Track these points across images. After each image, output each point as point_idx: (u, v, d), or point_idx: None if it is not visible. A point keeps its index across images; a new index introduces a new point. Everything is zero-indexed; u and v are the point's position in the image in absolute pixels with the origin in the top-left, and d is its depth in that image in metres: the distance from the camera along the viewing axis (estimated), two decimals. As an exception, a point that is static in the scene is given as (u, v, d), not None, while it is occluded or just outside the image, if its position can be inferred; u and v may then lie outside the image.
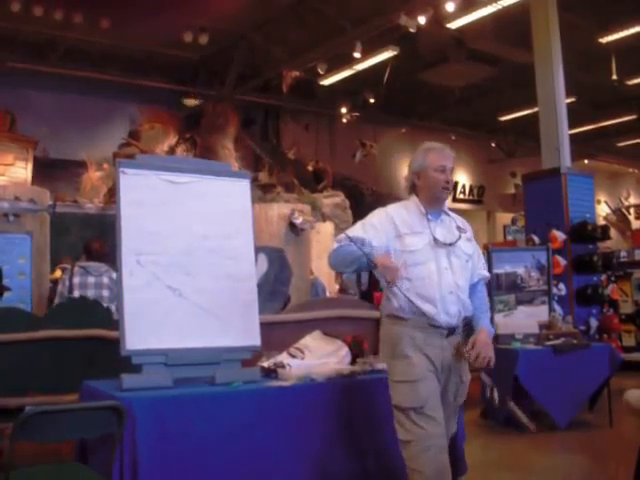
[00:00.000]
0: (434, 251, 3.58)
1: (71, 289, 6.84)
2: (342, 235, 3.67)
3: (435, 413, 3.42)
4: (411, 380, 3.43)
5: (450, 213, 3.81)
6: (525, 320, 7.37)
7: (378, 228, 3.61)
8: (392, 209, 3.73)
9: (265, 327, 4.18)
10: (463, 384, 3.67)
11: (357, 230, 3.65)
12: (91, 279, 7.05)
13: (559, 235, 9.10)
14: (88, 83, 14.67)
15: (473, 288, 3.74)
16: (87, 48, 14.10)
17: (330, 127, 18.60)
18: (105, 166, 14.23)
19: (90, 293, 6.86)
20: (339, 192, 15.32)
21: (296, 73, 14.69)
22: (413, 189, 3.74)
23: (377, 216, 3.70)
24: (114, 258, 3.88)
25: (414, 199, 3.72)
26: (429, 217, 3.65)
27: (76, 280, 6.88)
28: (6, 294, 6.93)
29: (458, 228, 3.73)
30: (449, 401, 3.60)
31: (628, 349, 10.90)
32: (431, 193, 3.65)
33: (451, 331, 3.55)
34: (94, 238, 7.87)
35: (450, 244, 3.61)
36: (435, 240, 3.58)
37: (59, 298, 6.87)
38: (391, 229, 3.61)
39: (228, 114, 16.09)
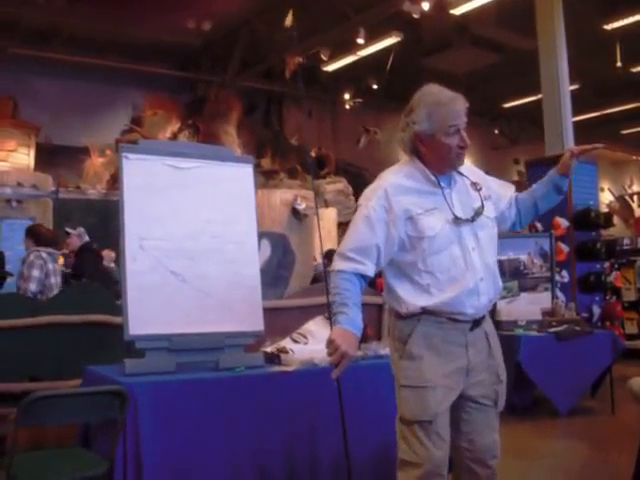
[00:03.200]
0: (456, 230, 2.82)
1: (48, 275, 6.64)
2: (337, 260, 2.88)
3: (446, 432, 2.80)
4: (420, 386, 2.77)
5: (461, 167, 2.99)
6: (528, 307, 7.37)
7: (384, 218, 2.82)
8: (393, 183, 2.89)
9: (268, 312, 4.18)
10: (502, 384, 2.97)
11: (363, 236, 2.84)
12: (56, 266, 6.88)
13: (562, 222, 9.09)
14: (91, 69, 14.66)
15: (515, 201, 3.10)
16: (90, 34, 14.06)
17: (333, 113, 18.56)
18: (108, 152, 14.25)
19: (58, 280, 6.74)
20: (342, 178, 15.32)
21: (299, 59, 14.65)
22: (414, 153, 2.94)
23: (377, 199, 2.86)
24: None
25: (417, 163, 2.92)
26: (442, 184, 2.87)
27: (50, 266, 6.70)
28: (9, 279, 6.94)
29: (473, 186, 2.95)
30: (483, 408, 2.89)
31: (631, 337, 10.91)
32: (442, 162, 2.87)
33: (476, 323, 2.86)
34: (39, 223, 7.74)
35: (476, 216, 2.86)
36: (456, 218, 2.82)
37: (38, 285, 6.53)
38: (399, 211, 2.81)
39: (231, 100, 16.07)
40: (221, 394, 3.62)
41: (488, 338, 2.92)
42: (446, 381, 2.78)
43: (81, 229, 8.10)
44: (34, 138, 14.04)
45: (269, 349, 4.23)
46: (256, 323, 4.01)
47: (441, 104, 2.83)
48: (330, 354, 2.72)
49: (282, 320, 4.63)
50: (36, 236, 6.87)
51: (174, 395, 3.49)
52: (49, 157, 13.91)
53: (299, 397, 3.82)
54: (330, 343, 2.72)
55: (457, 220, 2.81)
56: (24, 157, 13.75)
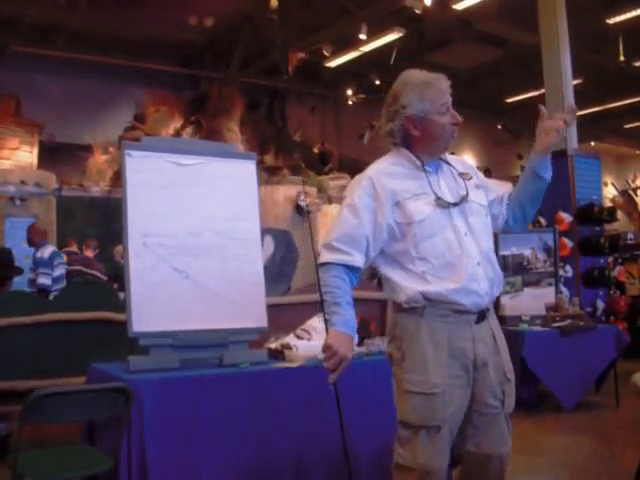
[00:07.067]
0: (447, 214, 2.71)
1: None
2: (323, 252, 2.77)
3: (452, 435, 2.68)
4: (428, 392, 2.61)
5: (448, 158, 2.91)
6: (532, 302, 7.36)
7: (370, 205, 2.73)
8: (377, 170, 2.80)
9: (272, 309, 4.18)
10: (510, 383, 2.84)
11: (349, 225, 2.74)
12: None
13: (566, 217, 9.08)
14: (93, 67, 14.67)
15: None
16: (92, 31, 14.07)
17: (336, 109, 18.54)
18: (111, 150, 14.27)
19: None
20: (345, 174, 15.29)
21: (301, 55, 14.65)
22: (405, 141, 2.82)
23: (361, 188, 2.77)
24: None
25: (402, 150, 2.82)
26: (427, 169, 2.78)
27: None
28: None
29: (461, 175, 2.85)
30: (489, 408, 2.76)
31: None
32: (437, 143, 2.79)
33: (481, 315, 2.72)
34: None
35: (460, 202, 2.75)
36: (438, 199, 2.71)
37: None
38: (386, 197, 2.72)
39: (234, 97, 16.07)
40: (225, 390, 3.61)
41: (494, 334, 2.78)
42: (454, 380, 2.64)
43: None
44: (37, 136, 14.07)
45: (273, 345, 4.24)
46: (260, 319, 4.01)
47: (430, 84, 2.77)
48: (328, 359, 2.61)
49: (286, 316, 4.62)
50: None
51: (178, 392, 3.49)
52: (52, 155, 13.94)
53: (303, 393, 3.82)
54: (328, 348, 2.61)
55: (440, 201, 2.70)
56: (27, 155, 13.78)
